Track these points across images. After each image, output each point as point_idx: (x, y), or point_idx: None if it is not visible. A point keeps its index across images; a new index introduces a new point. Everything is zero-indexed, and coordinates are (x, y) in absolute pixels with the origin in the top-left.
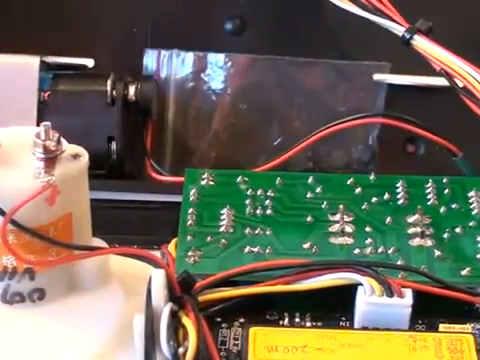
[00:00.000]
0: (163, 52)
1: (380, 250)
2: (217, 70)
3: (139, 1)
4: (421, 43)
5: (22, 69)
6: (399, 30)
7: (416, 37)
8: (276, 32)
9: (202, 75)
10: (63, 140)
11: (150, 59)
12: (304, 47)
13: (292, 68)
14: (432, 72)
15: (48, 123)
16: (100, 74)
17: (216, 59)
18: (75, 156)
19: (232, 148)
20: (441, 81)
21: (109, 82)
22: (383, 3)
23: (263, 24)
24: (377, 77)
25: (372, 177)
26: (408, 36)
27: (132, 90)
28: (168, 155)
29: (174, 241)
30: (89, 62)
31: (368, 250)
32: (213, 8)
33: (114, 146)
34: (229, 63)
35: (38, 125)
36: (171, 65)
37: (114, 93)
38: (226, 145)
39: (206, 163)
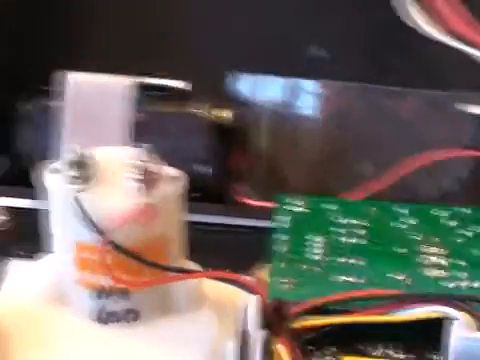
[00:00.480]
0: (257, 77)
1: (476, 285)
2: (309, 96)
3: (234, 26)
4: None
5: (118, 89)
6: None
7: None
8: (367, 60)
9: (294, 101)
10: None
11: (244, 84)
12: (395, 76)
13: (383, 97)
14: None
15: (149, 145)
16: (195, 97)
17: (308, 85)
18: (174, 178)
19: (324, 175)
20: None
21: (204, 105)
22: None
23: (354, 52)
24: (471, 109)
25: (468, 211)
26: None
27: (226, 114)
28: (260, 180)
29: (267, 267)
30: (185, 85)
31: (463, 284)
32: (305, 34)
33: (207, 170)
34: (321, 90)
35: (132, 146)
36: (264, 91)
37: (209, 117)
38: (318, 172)
39: (298, 189)
